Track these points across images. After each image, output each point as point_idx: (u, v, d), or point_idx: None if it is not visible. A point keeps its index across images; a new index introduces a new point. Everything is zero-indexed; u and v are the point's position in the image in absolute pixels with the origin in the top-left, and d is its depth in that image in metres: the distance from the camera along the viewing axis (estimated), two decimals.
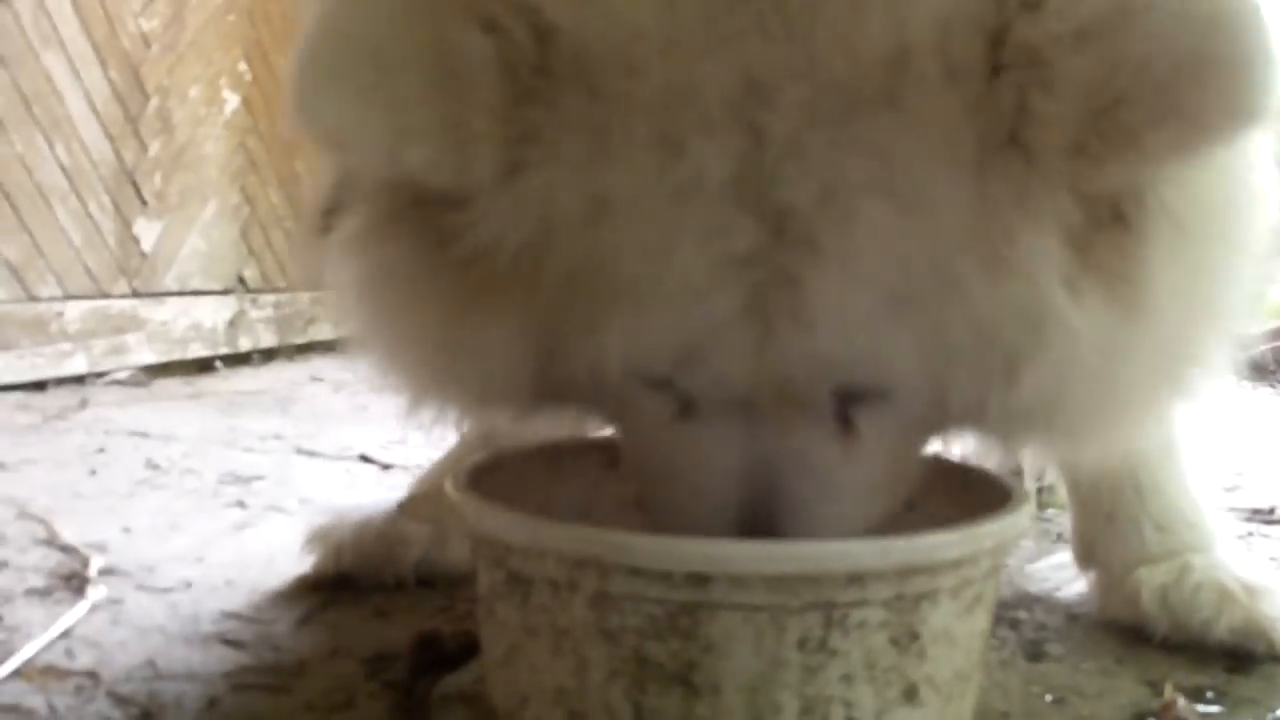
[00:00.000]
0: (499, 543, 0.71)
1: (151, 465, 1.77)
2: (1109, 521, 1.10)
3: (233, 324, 3.29)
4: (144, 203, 2.91)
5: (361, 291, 0.78)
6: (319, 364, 3.33)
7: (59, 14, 2.60)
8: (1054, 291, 0.64)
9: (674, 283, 0.63)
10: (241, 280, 3.40)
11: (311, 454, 1.92)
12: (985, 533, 0.69)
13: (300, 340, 3.63)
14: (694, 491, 0.73)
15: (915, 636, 0.67)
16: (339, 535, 1.18)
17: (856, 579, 0.64)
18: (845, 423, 0.71)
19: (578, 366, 0.69)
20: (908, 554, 0.65)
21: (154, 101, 2.95)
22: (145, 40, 2.91)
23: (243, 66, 3.37)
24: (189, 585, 1.17)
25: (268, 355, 3.45)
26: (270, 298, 3.49)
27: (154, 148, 2.95)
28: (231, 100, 3.32)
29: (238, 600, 1.12)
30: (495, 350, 0.70)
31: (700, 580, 0.63)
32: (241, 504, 1.54)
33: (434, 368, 0.77)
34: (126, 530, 1.39)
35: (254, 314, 3.40)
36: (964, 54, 0.61)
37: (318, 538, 1.19)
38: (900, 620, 0.66)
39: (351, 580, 1.16)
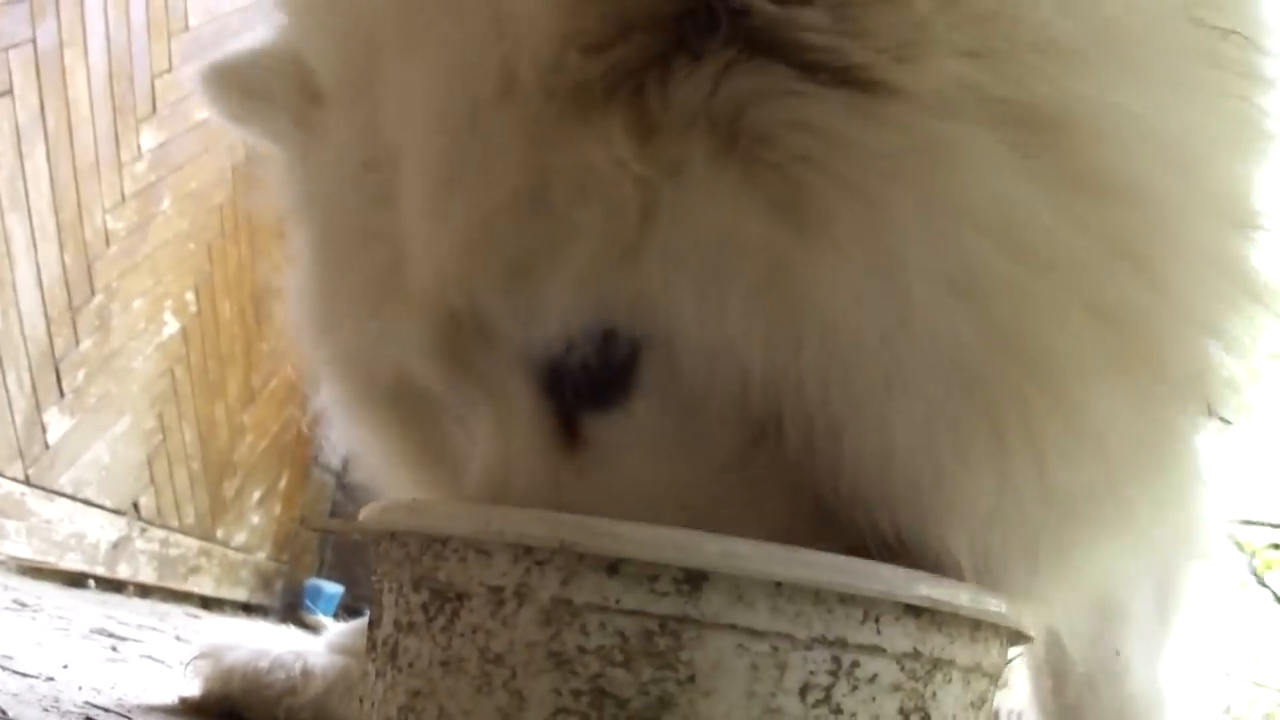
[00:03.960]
0: (434, 543, 0.58)
1: (19, 604, 1.57)
2: None
3: (116, 547, 3.07)
4: (62, 394, 2.78)
5: None
6: (196, 611, 3.11)
7: (35, 182, 2.56)
8: (615, 141, 0.54)
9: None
10: (135, 506, 3.21)
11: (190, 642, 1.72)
12: (997, 604, 0.59)
13: (179, 586, 3.40)
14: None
15: (926, 717, 0.56)
16: (234, 656, 1.04)
17: (872, 614, 0.54)
18: (569, 431, 0.62)
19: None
20: (931, 587, 0.55)
21: (98, 299, 2.88)
22: (107, 237, 2.88)
23: (190, 296, 3.33)
24: (51, 679, 1.00)
25: (143, 591, 3.22)
26: (160, 533, 3.29)
27: (86, 344, 2.85)
28: (171, 325, 3.25)
29: (104, 700, 0.95)
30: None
31: (694, 583, 0.53)
32: (114, 649, 1.35)
33: None
34: None
35: (140, 544, 3.19)
36: None
37: (208, 655, 1.04)
38: (913, 689, 0.56)
39: (240, 712, 1.01)
